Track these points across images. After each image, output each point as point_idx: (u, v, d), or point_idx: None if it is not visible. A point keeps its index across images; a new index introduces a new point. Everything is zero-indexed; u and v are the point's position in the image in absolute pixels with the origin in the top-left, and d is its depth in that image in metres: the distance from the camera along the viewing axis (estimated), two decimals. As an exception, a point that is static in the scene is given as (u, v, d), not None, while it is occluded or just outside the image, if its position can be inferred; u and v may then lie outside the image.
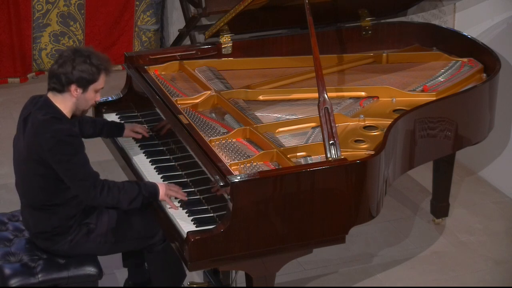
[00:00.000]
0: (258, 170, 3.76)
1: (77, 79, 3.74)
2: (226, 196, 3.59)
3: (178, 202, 3.85)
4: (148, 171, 4.10)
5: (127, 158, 4.24)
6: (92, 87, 3.78)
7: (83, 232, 3.90)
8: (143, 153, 4.25)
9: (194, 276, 4.58)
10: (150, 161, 4.17)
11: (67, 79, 3.74)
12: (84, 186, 3.72)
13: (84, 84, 3.76)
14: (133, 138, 4.35)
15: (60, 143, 3.69)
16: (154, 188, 3.83)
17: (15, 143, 3.90)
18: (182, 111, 4.15)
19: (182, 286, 4.23)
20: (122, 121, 4.49)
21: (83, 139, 3.85)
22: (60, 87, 3.77)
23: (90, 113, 4.59)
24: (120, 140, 4.35)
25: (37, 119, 3.74)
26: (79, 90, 3.76)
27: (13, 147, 3.92)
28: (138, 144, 4.32)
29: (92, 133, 4.29)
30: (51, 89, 3.80)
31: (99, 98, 3.87)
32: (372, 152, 3.91)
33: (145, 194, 3.81)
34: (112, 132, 4.33)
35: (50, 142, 3.69)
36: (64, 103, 3.79)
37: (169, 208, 3.81)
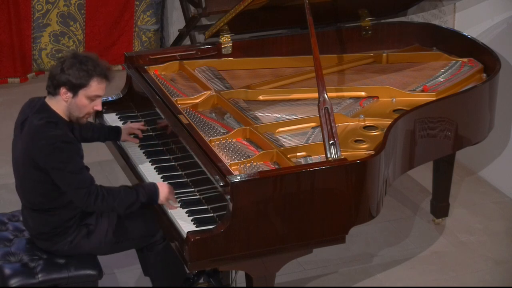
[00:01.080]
0: (258, 170, 3.76)
1: (64, 82, 3.69)
2: (226, 196, 3.59)
3: (179, 203, 3.84)
4: (148, 171, 4.10)
5: (127, 158, 4.24)
6: (82, 93, 3.70)
7: (83, 233, 3.90)
8: (143, 153, 4.25)
9: (194, 276, 4.58)
10: (150, 161, 4.17)
11: (56, 81, 3.71)
12: (79, 194, 3.71)
13: (73, 88, 3.69)
14: (133, 137, 4.35)
15: (55, 150, 3.66)
16: (153, 193, 3.79)
17: (14, 146, 3.89)
18: (182, 111, 4.15)
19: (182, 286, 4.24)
20: (121, 122, 4.50)
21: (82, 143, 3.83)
22: (52, 89, 3.74)
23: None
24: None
25: (33, 124, 3.72)
26: (69, 94, 3.71)
27: (12, 150, 3.91)
28: (138, 144, 4.32)
29: (90, 137, 4.25)
30: (47, 92, 3.79)
31: (99, 107, 3.78)
32: (372, 152, 3.91)
33: (143, 200, 3.79)
34: (109, 137, 4.30)
35: (45, 149, 3.66)
36: (59, 106, 3.76)
37: (170, 210, 3.81)
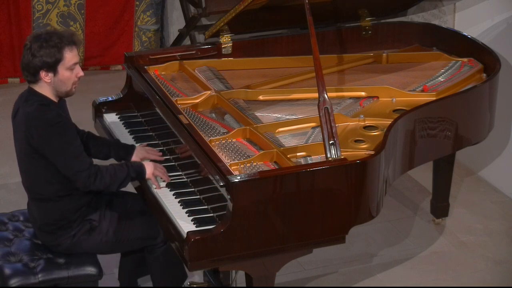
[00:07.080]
0: (258, 170, 3.77)
1: (40, 65, 3.72)
2: (226, 196, 3.59)
3: (178, 203, 3.84)
4: (148, 171, 4.10)
5: (127, 158, 4.24)
6: (61, 67, 3.74)
7: (85, 228, 3.91)
8: (143, 153, 4.25)
9: (194, 276, 4.58)
10: (150, 161, 4.16)
11: (32, 68, 3.74)
12: (80, 176, 3.76)
13: (51, 67, 3.73)
14: (133, 137, 4.35)
15: (53, 135, 3.70)
16: (140, 167, 3.92)
17: (14, 141, 3.91)
18: (182, 111, 4.15)
19: (183, 286, 4.23)
20: (121, 122, 4.49)
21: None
22: (32, 77, 3.77)
23: (89, 114, 4.60)
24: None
25: (26, 112, 3.75)
26: (50, 75, 3.75)
27: (14, 146, 3.93)
28: (139, 144, 4.31)
29: (103, 155, 4.17)
30: (27, 82, 3.82)
31: (81, 73, 3.83)
32: (372, 152, 3.91)
33: (133, 175, 3.89)
34: (120, 155, 4.13)
35: (43, 133, 3.71)
36: (44, 90, 3.79)
37: (155, 188, 3.90)
